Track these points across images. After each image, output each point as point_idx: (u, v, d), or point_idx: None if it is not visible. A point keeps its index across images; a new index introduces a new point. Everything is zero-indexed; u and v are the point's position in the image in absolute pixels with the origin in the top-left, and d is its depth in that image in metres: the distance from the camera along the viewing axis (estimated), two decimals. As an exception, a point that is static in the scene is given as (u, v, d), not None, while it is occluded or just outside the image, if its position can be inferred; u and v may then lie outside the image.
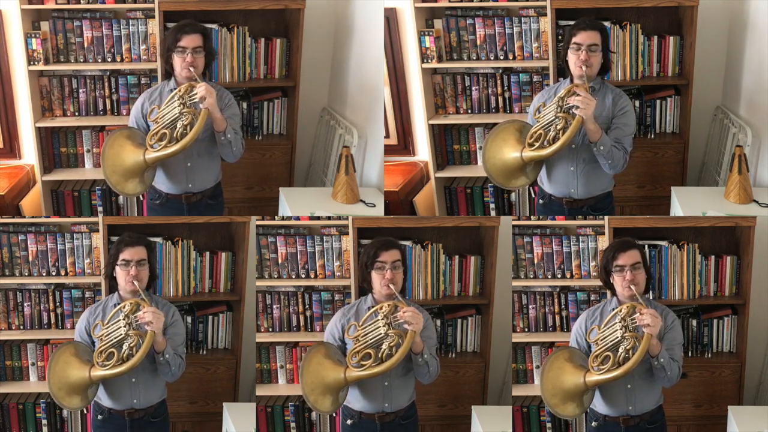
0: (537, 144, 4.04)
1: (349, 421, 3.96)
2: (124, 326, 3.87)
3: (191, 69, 4.08)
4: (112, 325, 3.90)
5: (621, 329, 3.76)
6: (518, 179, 4.14)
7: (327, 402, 3.87)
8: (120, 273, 3.94)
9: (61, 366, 3.92)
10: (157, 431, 4.06)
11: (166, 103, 4.10)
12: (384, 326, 3.79)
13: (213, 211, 4.39)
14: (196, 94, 4.04)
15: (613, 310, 3.85)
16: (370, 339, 3.81)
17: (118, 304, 3.95)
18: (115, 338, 3.89)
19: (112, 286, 4.01)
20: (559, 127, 4.00)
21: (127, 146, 4.12)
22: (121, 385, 3.97)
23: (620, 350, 3.77)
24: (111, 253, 3.98)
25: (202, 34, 4.13)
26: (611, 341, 3.79)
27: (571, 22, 4.17)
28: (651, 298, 3.95)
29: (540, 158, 4.05)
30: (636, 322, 3.75)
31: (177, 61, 4.11)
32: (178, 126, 4.06)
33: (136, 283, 3.90)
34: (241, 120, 4.33)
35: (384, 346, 3.79)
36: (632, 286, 3.79)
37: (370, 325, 3.83)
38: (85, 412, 4.73)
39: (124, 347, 3.88)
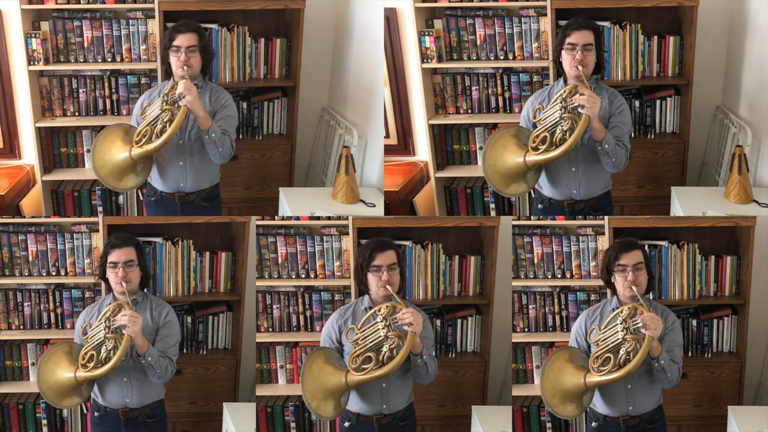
0: (543, 147, 3.99)
1: (347, 424, 3.92)
2: (104, 329, 3.89)
3: (185, 68, 4.09)
4: (95, 327, 3.93)
5: (622, 331, 3.75)
6: (519, 185, 4.08)
7: (329, 407, 3.82)
8: (110, 275, 3.96)
9: (51, 367, 3.97)
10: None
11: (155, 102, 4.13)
12: (383, 328, 3.74)
13: (207, 214, 4.38)
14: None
15: (614, 310, 3.85)
16: (370, 342, 3.76)
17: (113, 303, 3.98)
18: (96, 341, 3.92)
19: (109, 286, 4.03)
20: (565, 128, 3.95)
21: (117, 143, 4.16)
22: (114, 384, 3.99)
23: (621, 352, 3.76)
24: (101, 255, 4.01)
25: (197, 32, 4.14)
26: (612, 343, 3.78)
27: (571, 23, 4.16)
28: (651, 298, 3.94)
29: (547, 161, 3.98)
30: (637, 324, 3.75)
31: (172, 60, 4.14)
32: (158, 123, 4.09)
33: (123, 284, 3.91)
34: (237, 122, 4.30)
35: (384, 349, 3.74)
36: (634, 287, 3.79)
37: (369, 327, 3.77)
38: (84, 411, 4.73)
39: (103, 350, 3.90)
